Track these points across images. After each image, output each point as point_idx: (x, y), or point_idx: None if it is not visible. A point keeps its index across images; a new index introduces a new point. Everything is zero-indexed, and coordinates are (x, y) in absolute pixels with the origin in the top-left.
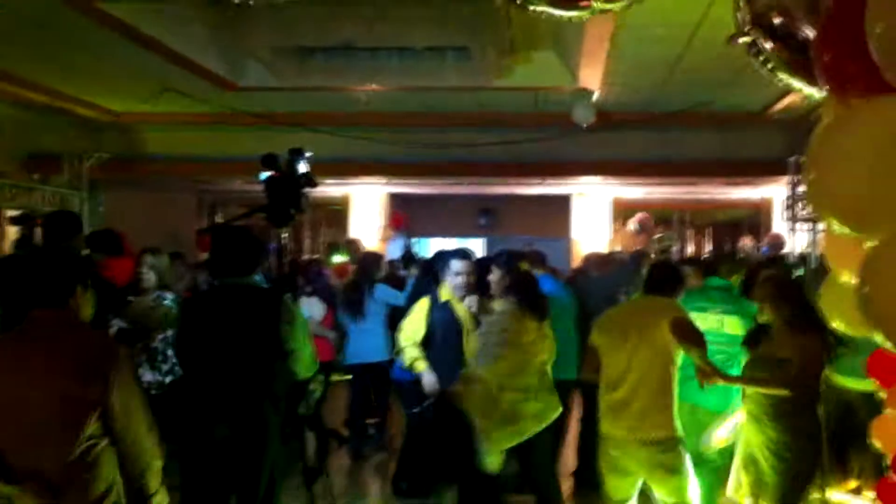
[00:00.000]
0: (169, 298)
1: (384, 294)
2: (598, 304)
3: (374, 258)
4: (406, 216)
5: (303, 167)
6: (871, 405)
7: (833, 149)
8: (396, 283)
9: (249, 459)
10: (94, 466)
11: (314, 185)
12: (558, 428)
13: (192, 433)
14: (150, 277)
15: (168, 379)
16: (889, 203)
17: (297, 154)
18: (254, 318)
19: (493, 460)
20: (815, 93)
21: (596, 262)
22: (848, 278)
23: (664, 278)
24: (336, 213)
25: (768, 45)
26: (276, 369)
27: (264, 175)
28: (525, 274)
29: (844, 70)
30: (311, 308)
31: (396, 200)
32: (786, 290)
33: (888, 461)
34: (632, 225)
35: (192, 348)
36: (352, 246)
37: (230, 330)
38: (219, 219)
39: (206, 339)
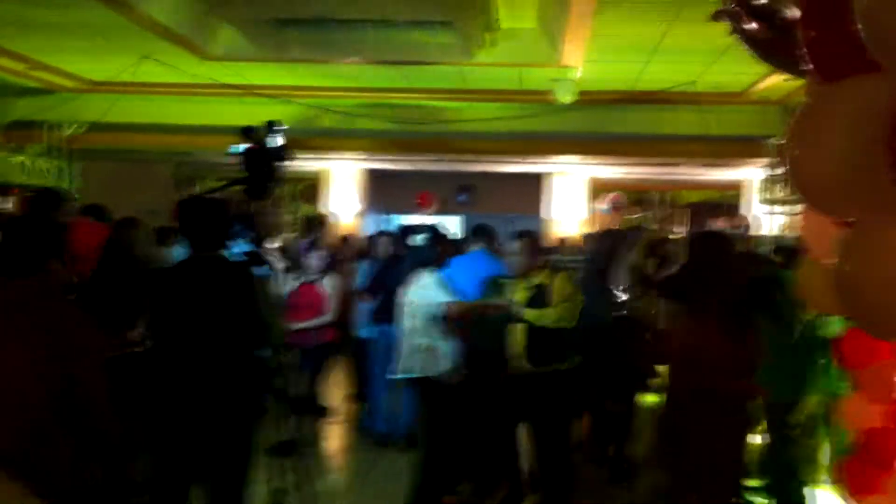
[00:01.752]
0: None
1: None
2: None
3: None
4: (432, 196)
5: (278, 140)
6: None
7: (814, 128)
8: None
9: (221, 433)
10: (57, 437)
11: (290, 158)
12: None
13: (162, 406)
14: None
15: None
16: (869, 183)
17: (273, 127)
18: (222, 291)
19: None
20: (798, 72)
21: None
22: (825, 260)
23: None
24: (313, 188)
25: (751, 25)
26: (245, 342)
27: (238, 147)
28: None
29: (828, 49)
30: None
31: (374, 176)
32: None
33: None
34: (604, 204)
35: (161, 321)
36: (317, 221)
37: (198, 303)
38: (196, 190)
39: (174, 312)
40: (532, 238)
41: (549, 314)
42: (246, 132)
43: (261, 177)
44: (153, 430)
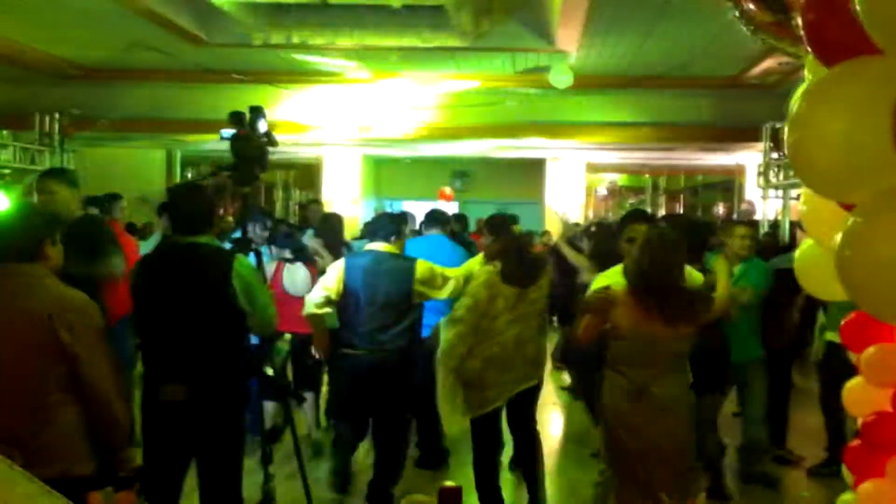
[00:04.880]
0: None
1: None
2: None
3: None
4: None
5: (263, 126)
6: None
7: (815, 111)
8: None
9: (206, 420)
10: (60, 422)
11: (274, 144)
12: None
13: (147, 395)
14: None
15: None
16: (870, 166)
17: (257, 112)
18: (204, 277)
19: (451, 424)
20: (798, 55)
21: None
22: (826, 243)
23: None
24: (309, 174)
25: (751, 6)
26: (228, 330)
27: (226, 133)
28: (514, 239)
29: (829, 31)
30: (295, 275)
31: (370, 162)
32: None
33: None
34: (600, 190)
35: (143, 308)
36: (311, 206)
37: (181, 289)
38: (188, 176)
39: (157, 298)
40: (501, 222)
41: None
42: (234, 118)
43: (248, 162)
44: (143, 418)
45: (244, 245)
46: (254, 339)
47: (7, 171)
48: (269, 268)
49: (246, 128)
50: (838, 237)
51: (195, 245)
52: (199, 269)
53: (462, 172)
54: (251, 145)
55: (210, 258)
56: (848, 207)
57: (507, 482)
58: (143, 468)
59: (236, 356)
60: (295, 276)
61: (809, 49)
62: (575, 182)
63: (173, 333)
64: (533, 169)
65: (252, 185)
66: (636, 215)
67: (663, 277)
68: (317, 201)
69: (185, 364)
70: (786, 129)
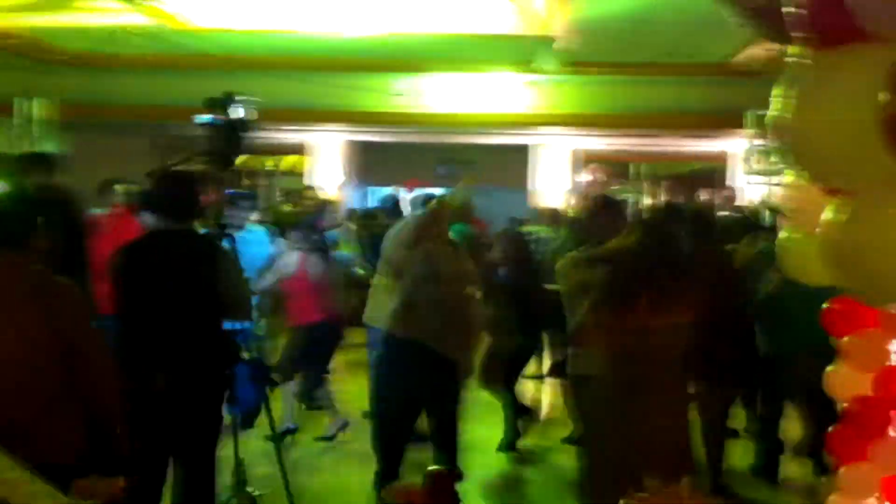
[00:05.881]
0: None
1: None
2: None
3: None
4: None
5: (238, 112)
6: None
7: (802, 97)
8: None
9: (190, 407)
10: (51, 409)
11: (249, 129)
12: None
13: (130, 382)
14: None
15: None
16: (859, 152)
17: (230, 98)
18: (189, 264)
19: None
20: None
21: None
22: (808, 228)
23: None
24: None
25: None
26: (212, 316)
27: (203, 118)
28: None
29: (817, 17)
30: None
31: (355, 148)
32: None
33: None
34: (585, 176)
35: (128, 294)
36: (307, 194)
37: (170, 276)
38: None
39: (143, 285)
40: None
41: None
42: (209, 103)
43: (225, 147)
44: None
45: (220, 230)
46: (231, 325)
47: None
48: (290, 257)
49: (220, 113)
50: (823, 221)
51: (182, 232)
52: (187, 256)
53: (448, 159)
54: (226, 130)
55: (197, 245)
56: (833, 192)
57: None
58: (131, 455)
59: (218, 342)
60: (317, 267)
61: (796, 36)
62: (560, 169)
63: (158, 320)
64: (519, 156)
65: (228, 171)
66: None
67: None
68: (310, 188)
69: (168, 351)
70: (773, 116)
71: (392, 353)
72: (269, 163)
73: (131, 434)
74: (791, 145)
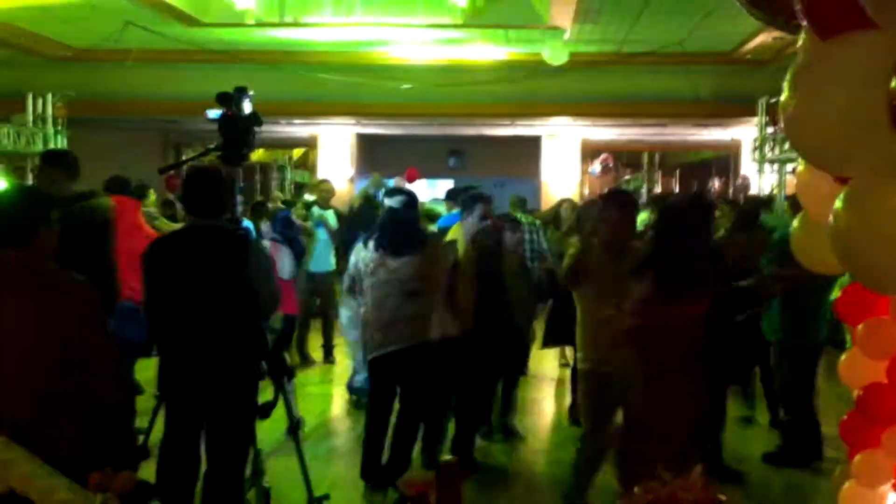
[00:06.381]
0: None
1: None
2: None
3: None
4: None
5: (248, 106)
6: None
7: (811, 85)
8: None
9: (223, 398)
10: (61, 405)
11: (259, 123)
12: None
13: (166, 375)
14: None
15: None
16: (865, 140)
17: (242, 92)
18: (225, 259)
19: None
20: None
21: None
22: (821, 217)
23: None
24: (305, 153)
25: None
26: (245, 310)
27: (214, 113)
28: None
29: (823, 5)
30: (282, 259)
31: (365, 141)
32: None
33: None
34: (595, 166)
35: (159, 289)
36: (323, 186)
37: (202, 270)
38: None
39: (177, 279)
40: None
41: None
42: (221, 98)
43: (235, 143)
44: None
45: (235, 226)
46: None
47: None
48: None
49: (232, 108)
50: (834, 210)
51: (213, 227)
52: (220, 251)
53: (457, 151)
54: (238, 125)
55: (229, 240)
56: (843, 181)
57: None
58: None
59: (252, 336)
60: (283, 258)
61: (804, 24)
62: (571, 159)
63: (192, 314)
64: (529, 146)
65: (241, 165)
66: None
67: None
68: (325, 181)
69: (204, 344)
70: (781, 104)
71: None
72: (280, 156)
73: (167, 424)
74: (792, 132)
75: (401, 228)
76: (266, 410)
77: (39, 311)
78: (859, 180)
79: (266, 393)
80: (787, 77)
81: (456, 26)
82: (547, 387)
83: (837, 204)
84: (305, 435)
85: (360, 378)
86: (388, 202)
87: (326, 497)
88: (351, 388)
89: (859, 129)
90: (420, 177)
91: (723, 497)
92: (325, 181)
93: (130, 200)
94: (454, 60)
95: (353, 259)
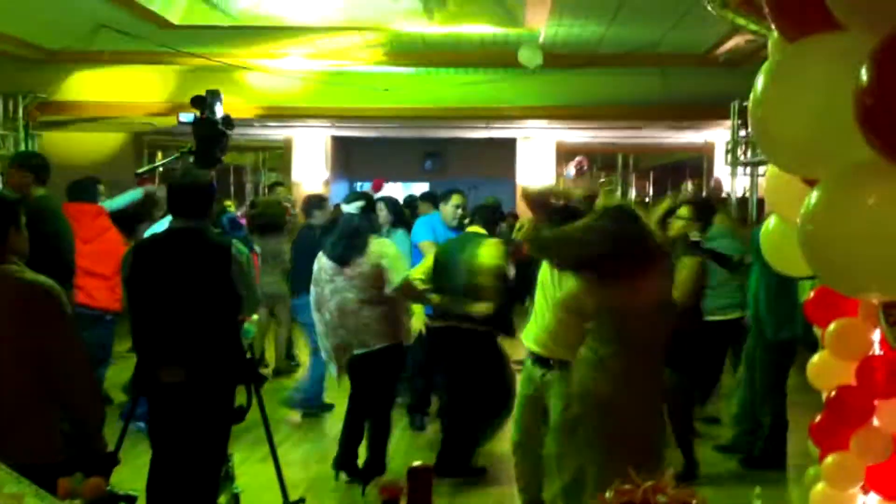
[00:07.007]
0: None
1: None
2: None
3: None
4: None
5: (220, 110)
6: None
7: (778, 87)
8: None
9: (202, 402)
10: (31, 410)
11: (232, 127)
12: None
13: (144, 377)
14: None
15: None
16: (833, 142)
17: (214, 96)
18: (208, 261)
19: None
20: (762, 32)
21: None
22: (790, 219)
23: None
24: (279, 155)
25: None
26: (227, 312)
27: (187, 117)
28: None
29: (791, 7)
30: None
31: (340, 143)
32: None
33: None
34: (570, 169)
35: (142, 291)
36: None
37: (185, 273)
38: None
39: (159, 281)
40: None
41: None
42: (195, 101)
43: (209, 146)
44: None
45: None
46: None
47: None
48: None
49: (205, 111)
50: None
51: (196, 230)
52: (203, 253)
53: (433, 153)
54: (210, 129)
55: (212, 242)
56: (811, 183)
57: None
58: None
59: (233, 338)
60: None
61: (773, 26)
62: (545, 161)
63: (174, 316)
64: (504, 149)
65: (214, 168)
66: None
67: None
68: (280, 183)
69: (185, 346)
70: (750, 106)
71: None
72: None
73: (153, 429)
74: (760, 134)
75: (349, 237)
76: (240, 415)
77: (7, 317)
78: (827, 182)
79: (240, 396)
80: (756, 80)
81: (430, 28)
82: None
83: (805, 206)
84: (279, 441)
85: (297, 396)
86: (346, 207)
87: (302, 500)
88: (293, 404)
89: (826, 131)
90: (384, 186)
91: (695, 500)
92: (278, 184)
93: (92, 206)
94: (430, 62)
95: (315, 266)
